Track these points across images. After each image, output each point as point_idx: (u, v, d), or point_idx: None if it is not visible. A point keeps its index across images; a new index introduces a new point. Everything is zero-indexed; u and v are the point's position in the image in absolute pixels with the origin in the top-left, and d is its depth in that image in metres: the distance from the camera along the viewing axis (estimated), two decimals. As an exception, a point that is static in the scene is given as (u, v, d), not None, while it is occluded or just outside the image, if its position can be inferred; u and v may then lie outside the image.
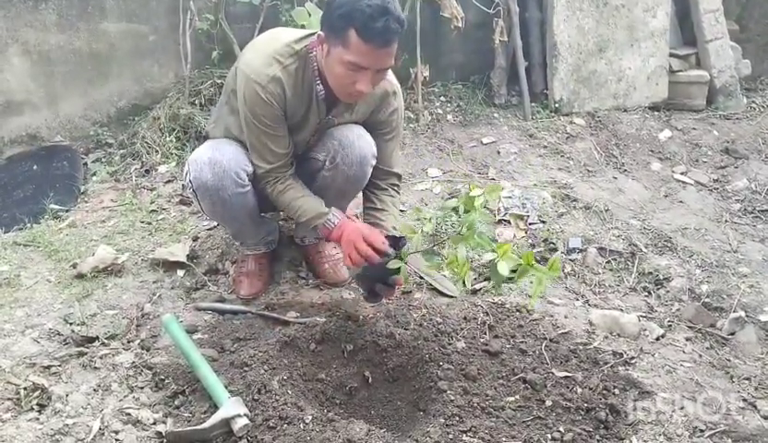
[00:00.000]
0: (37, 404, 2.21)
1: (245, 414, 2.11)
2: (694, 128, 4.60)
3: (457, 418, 2.20)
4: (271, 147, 2.46)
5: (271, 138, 2.45)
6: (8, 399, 2.22)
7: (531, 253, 2.17)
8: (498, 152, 4.17)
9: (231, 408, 2.11)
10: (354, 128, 2.59)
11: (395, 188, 2.76)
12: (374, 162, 2.63)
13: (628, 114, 4.67)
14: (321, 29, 2.25)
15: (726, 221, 3.65)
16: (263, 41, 2.44)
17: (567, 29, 4.53)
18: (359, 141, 2.56)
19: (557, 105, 4.59)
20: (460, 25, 4.21)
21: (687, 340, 2.71)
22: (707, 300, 2.91)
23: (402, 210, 3.51)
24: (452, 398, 2.27)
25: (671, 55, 4.82)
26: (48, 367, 2.38)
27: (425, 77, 4.33)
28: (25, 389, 2.25)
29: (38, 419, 2.16)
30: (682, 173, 4.12)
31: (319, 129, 2.58)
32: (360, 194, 2.81)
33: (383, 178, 2.72)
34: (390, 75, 2.51)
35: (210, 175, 2.46)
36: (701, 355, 2.62)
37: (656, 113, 4.76)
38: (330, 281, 2.91)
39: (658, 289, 3.01)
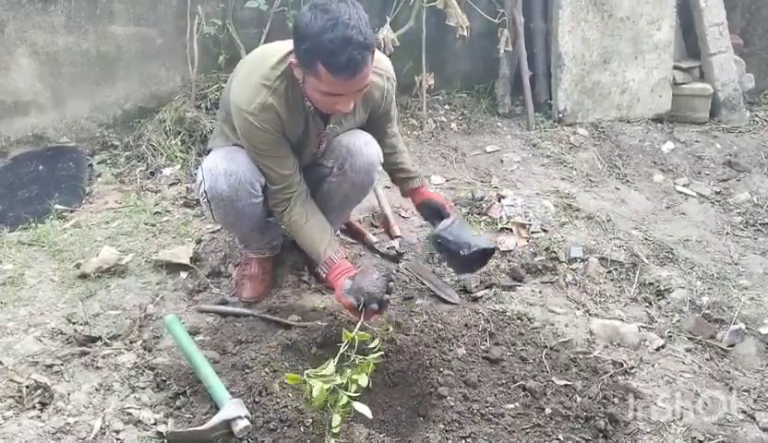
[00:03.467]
0: (39, 402, 2.22)
1: (245, 416, 2.12)
2: (697, 141, 4.61)
3: (457, 424, 2.21)
4: (276, 169, 2.48)
5: (274, 161, 2.47)
6: (10, 396, 2.24)
7: None
8: (502, 161, 4.19)
9: (232, 409, 2.12)
10: (361, 135, 2.63)
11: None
12: (380, 168, 2.69)
13: (631, 126, 4.69)
14: (293, 56, 2.24)
15: (728, 233, 3.66)
16: (248, 70, 2.43)
17: (572, 40, 4.55)
18: (366, 148, 2.60)
19: (560, 115, 4.61)
20: (465, 34, 4.22)
21: (687, 351, 2.71)
22: (707, 311, 2.92)
23: (404, 216, 3.53)
24: (452, 404, 2.28)
25: (675, 68, 4.83)
26: (50, 366, 2.40)
27: (429, 86, 4.35)
28: (27, 387, 2.27)
29: (39, 417, 2.17)
30: (684, 185, 4.14)
31: (324, 139, 2.60)
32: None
33: (393, 157, 2.84)
34: (379, 61, 2.46)
35: (226, 187, 2.48)
36: (700, 366, 2.63)
37: (659, 124, 4.77)
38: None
39: (659, 300, 3.02)
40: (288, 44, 2.30)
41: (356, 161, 2.59)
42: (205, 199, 2.55)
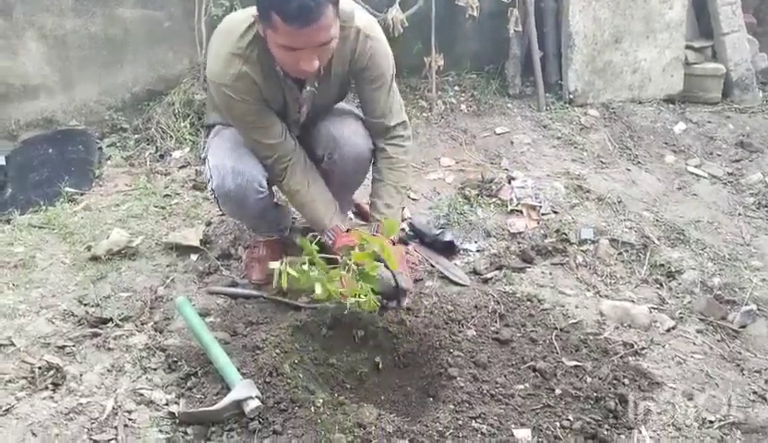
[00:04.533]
0: (51, 383, 2.24)
1: (256, 397, 2.13)
2: (709, 121, 4.56)
3: (467, 405, 2.21)
4: (263, 141, 2.44)
5: (261, 132, 2.43)
6: (23, 377, 2.26)
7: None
8: (512, 142, 4.16)
9: (243, 390, 2.13)
10: (350, 124, 2.58)
11: (397, 141, 2.63)
12: (371, 158, 2.63)
13: (642, 106, 4.65)
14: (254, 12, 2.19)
15: (740, 214, 3.63)
16: (218, 42, 2.35)
17: (582, 19, 4.50)
18: (355, 138, 2.55)
19: (571, 96, 4.57)
20: (475, 14, 4.19)
21: (698, 332, 2.70)
22: (719, 292, 2.90)
23: (414, 198, 3.53)
24: (462, 385, 2.28)
25: (687, 47, 4.78)
26: (62, 347, 2.42)
27: (439, 67, 4.32)
28: (40, 368, 2.29)
29: (52, 398, 2.19)
30: (696, 166, 4.10)
31: (308, 104, 2.53)
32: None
33: (383, 134, 2.61)
34: (360, 15, 2.39)
35: (234, 186, 2.46)
36: (711, 347, 2.62)
37: (671, 105, 4.72)
38: None
39: (670, 281, 3.00)
40: (250, 13, 2.24)
41: (344, 151, 2.54)
42: (213, 196, 2.56)
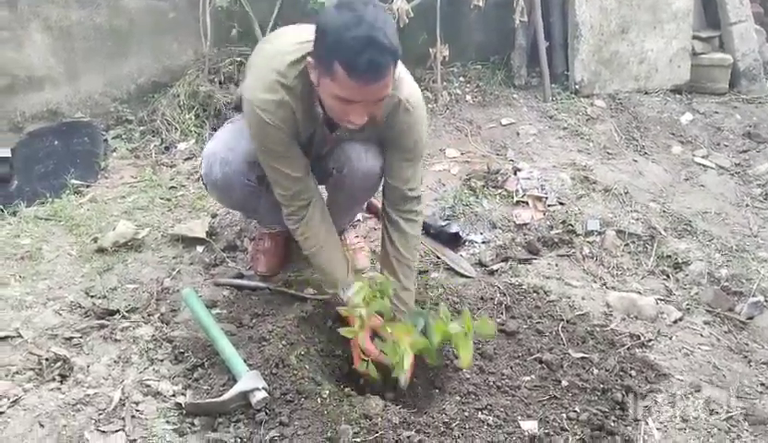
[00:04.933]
0: (59, 375, 2.25)
1: (263, 388, 2.13)
2: (716, 112, 4.54)
3: (473, 396, 2.22)
4: (286, 171, 2.29)
5: (287, 163, 2.29)
6: (31, 369, 2.27)
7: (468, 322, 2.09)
8: (518, 133, 4.15)
9: (249, 381, 2.14)
10: (364, 142, 2.44)
11: (411, 216, 2.49)
12: (381, 177, 2.50)
13: (649, 97, 4.62)
14: (311, 56, 2.05)
15: (747, 205, 3.61)
16: (264, 63, 2.23)
17: (589, 9, 4.47)
18: (366, 155, 2.42)
19: (577, 87, 4.55)
20: (480, 4, 4.17)
21: (705, 323, 2.70)
22: (726, 284, 2.89)
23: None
24: (468, 376, 2.29)
25: (694, 38, 4.75)
26: (70, 339, 2.43)
27: (444, 57, 4.30)
28: (47, 359, 2.30)
29: (60, 389, 2.20)
30: (703, 157, 4.08)
31: (333, 143, 2.45)
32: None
33: (399, 204, 2.46)
34: (407, 84, 2.26)
35: (221, 175, 2.43)
36: (718, 339, 2.61)
37: (678, 95, 4.70)
38: None
39: (677, 272, 3.00)
40: (306, 34, 2.13)
41: (354, 167, 2.43)
42: (202, 182, 2.53)
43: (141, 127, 4.01)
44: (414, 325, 2.18)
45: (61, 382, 2.23)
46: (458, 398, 2.21)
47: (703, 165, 4.00)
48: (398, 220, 2.46)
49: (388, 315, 2.21)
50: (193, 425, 2.11)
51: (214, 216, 3.23)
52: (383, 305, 2.18)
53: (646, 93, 4.66)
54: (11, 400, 2.12)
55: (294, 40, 2.20)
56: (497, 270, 2.95)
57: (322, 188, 2.57)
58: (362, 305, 2.15)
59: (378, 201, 3.26)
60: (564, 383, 2.30)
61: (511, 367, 2.36)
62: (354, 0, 1.94)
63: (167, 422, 2.11)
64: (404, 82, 2.23)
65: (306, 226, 2.38)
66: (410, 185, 2.43)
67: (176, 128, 3.93)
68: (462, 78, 4.67)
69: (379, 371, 2.18)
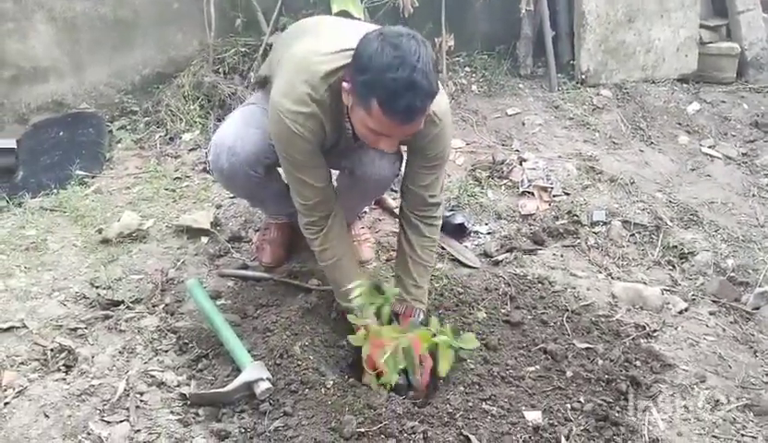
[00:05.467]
0: (64, 365, 2.26)
1: (267, 378, 2.14)
2: (723, 101, 4.51)
3: (477, 387, 2.21)
4: (310, 181, 2.24)
5: (311, 173, 2.24)
6: (36, 359, 2.28)
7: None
8: (523, 123, 4.13)
9: (253, 372, 2.14)
10: None
11: (431, 221, 2.45)
12: (393, 181, 2.50)
13: (656, 86, 4.59)
14: (348, 80, 2.00)
15: (754, 195, 3.59)
16: (295, 73, 2.13)
17: (595, -2, 4.45)
18: (380, 161, 2.39)
19: (583, 76, 4.52)
20: (486, -7, 4.15)
21: (710, 314, 2.68)
22: (732, 274, 2.88)
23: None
24: (472, 367, 2.28)
25: (701, 27, 4.71)
26: (74, 329, 2.43)
27: (449, 47, 4.27)
28: (52, 350, 2.31)
29: (65, 379, 2.21)
30: (710, 147, 4.05)
31: (352, 148, 2.40)
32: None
33: (419, 209, 2.42)
34: (436, 101, 2.11)
35: (227, 165, 2.42)
36: (724, 329, 2.60)
37: (685, 85, 4.67)
38: None
39: (683, 263, 2.98)
40: (343, 39, 2.09)
41: (367, 170, 2.41)
42: (209, 168, 2.52)
43: (146, 118, 4.01)
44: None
45: (66, 372, 2.24)
46: (462, 388, 2.21)
47: (710, 155, 3.97)
48: (418, 224, 2.43)
49: (387, 319, 2.17)
50: (197, 415, 2.12)
51: (219, 207, 3.23)
52: (383, 307, 2.16)
53: (653, 83, 4.63)
54: (16, 390, 2.13)
55: (327, 46, 2.13)
56: (501, 261, 2.94)
57: (334, 173, 2.52)
58: (364, 306, 2.15)
59: (385, 194, 3.27)
60: (568, 373, 2.30)
61: (516, 358, 2.36)
62: (397, 33, 1.89)
63: (171, 412, 2.12)
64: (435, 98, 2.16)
65: (324, 237, 2.34)
66: (431, 191, 2.39)
67: (181, 119, 3.92)
68: (467, 68, 4.65)
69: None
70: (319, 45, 2.16)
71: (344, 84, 2.01)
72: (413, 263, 2.41)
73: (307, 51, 2.16)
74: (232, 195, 3.22)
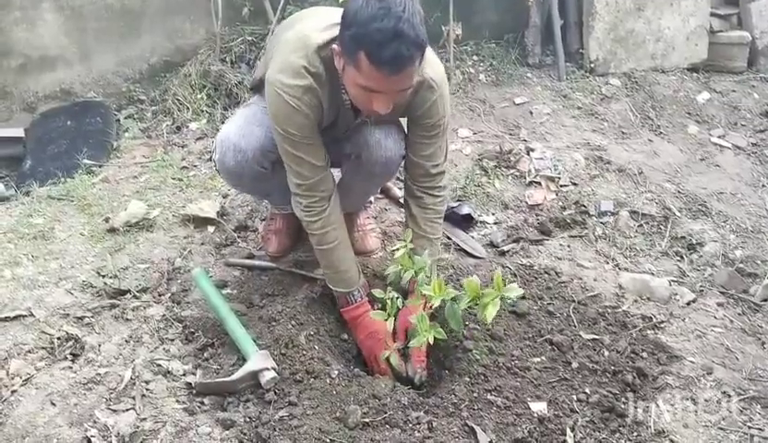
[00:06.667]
0: (70, 353, 2.28)
1: (272, 368, 2.15)
2: (734, 91, 4.47)
3: (482, 377, 2.21)
4: (307, 159, 2.24)
5: (309, 150, 2.24)
6: (43, 348, 2.29)
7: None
8: (531, 113, 4.10)
9: (259, 361, 2.15)
10: (384, 126, 2.41)
11: (435, 192, 2.47)
12: (400, 162, 2.49)
13: (665, 76, 4.55)
14: (337, 42, 2.03)
15: (764, 185, 3.56)
16: (292, 48, 2.15)
17: (604, -14, 4.40)
18: (386, 141, 2.39)
19: (592, 65, 4.49)
20: (494, -18, 4.11)
21: (718, 305, 2.67)
22: (741, 265, 2.86)
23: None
24: (478, 357, 2.28)
25: (712, 15, 4.66)
26: (81, 318, 2.45)
27: (457, 36, 4.24)
28: (59, 338, 2.32)
29: (71, 368, 2.22)
30: (720, 137, 4.02)
31: (352, 127, 2.43)
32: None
33: (423, 180, 2.44)
34: (430, 62, 2.21)
35: (233, 163, 2.42)
36: (732, 321, 2.59)
37: (695, 74, 4.62)
38: (358, 250, 2.78)
39: (691, 253, 2.97)
40: (332, 17, 2.12)
41: (373, 153, 2.40)
42: (215, 167, 2.53)
43: (153, 107, 4.01)
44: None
45: (72, 361, 2.25)
46: (467, 379, 2.21)
47: (720, 145, 3.94)
48: (422, 195, 2.45)
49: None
50: (203, 404, 2.13)
51: (225, 196, 3.23)
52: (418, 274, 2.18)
53: (662, 72, 4.59)
54: (23, 378, 2.15)
55: (319, 24, 2.17)
56: (508, 251, 2.93)
57: (336, 171, 2.53)
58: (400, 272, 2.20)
59: (391, 183, 3.26)
60: (574, 365, 2.29)
61: (521, 349, 2.35)
62: None
63: (177, 401, 2.13)
64: (428, 61, 2.18)
65: (326, 220, 2.33)
66: (433, 160, 2.41)
67: (188, 108, 3.92)
68: (475, 57, 4.61)
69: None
70: (309, 26, 2.20)
71: (334, 46, 2.04)
72: (417, 237, 2.42)
73: (300, 31, 2.20)
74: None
